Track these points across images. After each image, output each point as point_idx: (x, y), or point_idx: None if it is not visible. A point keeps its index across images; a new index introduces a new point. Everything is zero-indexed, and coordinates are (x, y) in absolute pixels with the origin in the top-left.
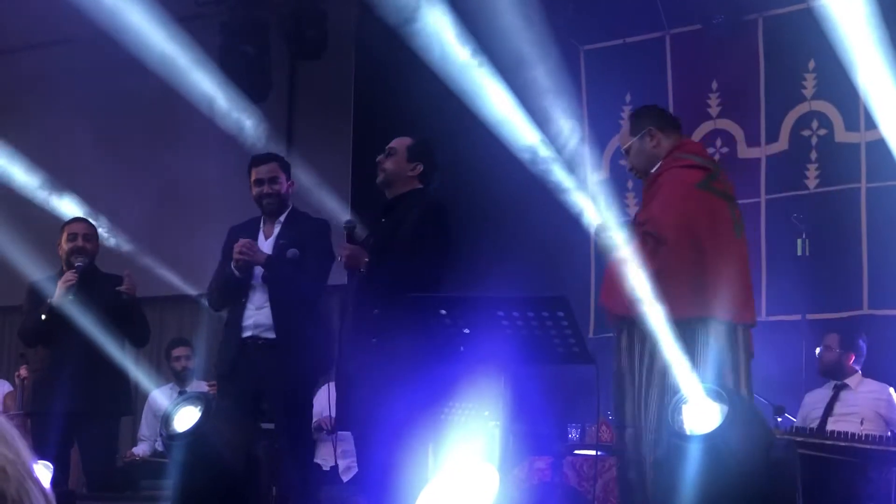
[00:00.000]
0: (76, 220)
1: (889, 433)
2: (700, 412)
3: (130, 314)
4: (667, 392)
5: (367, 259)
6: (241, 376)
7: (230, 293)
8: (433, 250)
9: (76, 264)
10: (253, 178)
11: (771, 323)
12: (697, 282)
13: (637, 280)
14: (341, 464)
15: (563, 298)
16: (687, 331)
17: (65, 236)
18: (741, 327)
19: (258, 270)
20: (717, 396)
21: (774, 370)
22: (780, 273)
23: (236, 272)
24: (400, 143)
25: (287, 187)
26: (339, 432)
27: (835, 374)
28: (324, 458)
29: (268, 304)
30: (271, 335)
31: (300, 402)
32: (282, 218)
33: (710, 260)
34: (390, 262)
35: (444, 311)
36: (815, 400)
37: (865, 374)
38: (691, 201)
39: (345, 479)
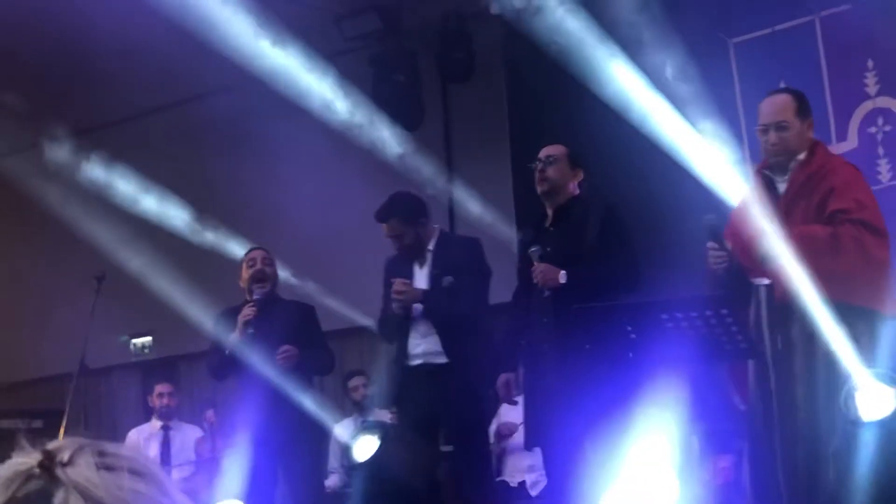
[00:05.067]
0: (253, 248)
1: None
2: (874, 398)
3: (311, 347)
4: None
5: (563, 274)
6: (414, 403)
7: (396, 327)
8: (624, 255)
9: (255, 297)
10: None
11: None
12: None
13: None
14: (528, 478)
15: (726, 296)
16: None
17: (245, 265)
18: None
19: (418, 305)
20: (891, 381)
21: None
22: None
23: (398, 311)
24: (558, 150)
25: (415, 233)
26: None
27: None
28: (511, 474)
29: (434, 332)
30: (442, 360)
31: (475, 422)
32: (431, 245)
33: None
34: (586, 271)
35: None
36: None
37: None
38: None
39: (533, 493)
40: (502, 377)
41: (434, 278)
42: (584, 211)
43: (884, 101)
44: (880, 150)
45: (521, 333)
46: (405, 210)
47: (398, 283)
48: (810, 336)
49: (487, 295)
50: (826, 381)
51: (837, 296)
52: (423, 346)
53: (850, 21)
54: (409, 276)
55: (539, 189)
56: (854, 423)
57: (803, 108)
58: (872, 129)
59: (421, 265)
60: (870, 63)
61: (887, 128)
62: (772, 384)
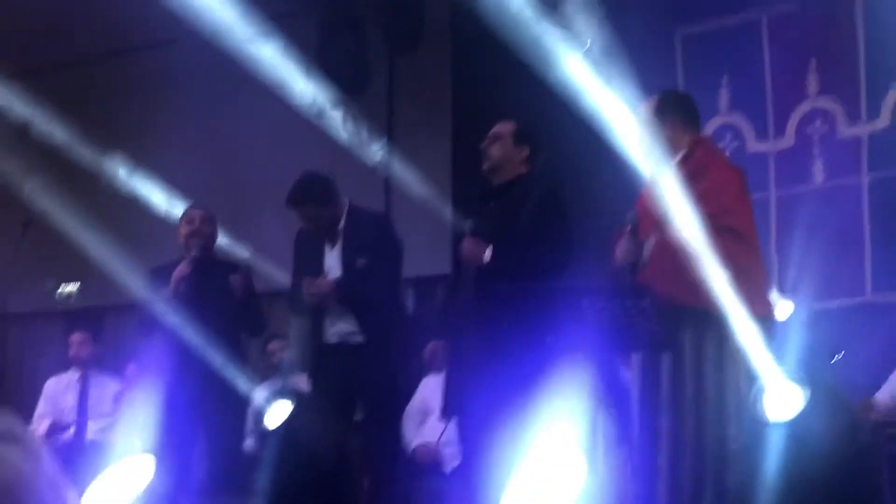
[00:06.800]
0: (193, 206)
1: None
2: (782, 398)
3: (245, 307)
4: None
5: (488, 251)
6: (330, 379)
7: (310, 308)
8: (556, 235)
9: (191, 255)
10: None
11: (874, 303)
12: (765, 280)
13: (714, 272)
14: (445, 452)
15: (649, 287)
16: (767, 328)
17: (183, 222)
18: None
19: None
20: (800, 381)
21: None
22: (886, 251)
23: (312, 303)
24: (504, 127)
25: (332, 212)
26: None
27: None
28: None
29: (349, 312)
30: (358, 339)
31: (390, 399)
32: (342, 224)
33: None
34: (513, 250)
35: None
36: None
37: None
38: (747, 197)
39: (447, 469)
40: (430, 345)
41: (347, 260)
42: (526, 189)
43: (824, 102)
44: (815, 151)
45: (449, 305)
46: (320, 193)
47: (308, 285)
48: (721, 335)
49: (400, 273)
50: (736, 381)
51: (700, 303)
52: (338, 325)
53: (795, 21)
54: (320, 255)
55: (484, 167)
56: (762, 423)
57: (663, 109)
58: (809, 130)
59: (332, 245)
60: (813, 62)
61: (824, 128)
62: (684, 379)
